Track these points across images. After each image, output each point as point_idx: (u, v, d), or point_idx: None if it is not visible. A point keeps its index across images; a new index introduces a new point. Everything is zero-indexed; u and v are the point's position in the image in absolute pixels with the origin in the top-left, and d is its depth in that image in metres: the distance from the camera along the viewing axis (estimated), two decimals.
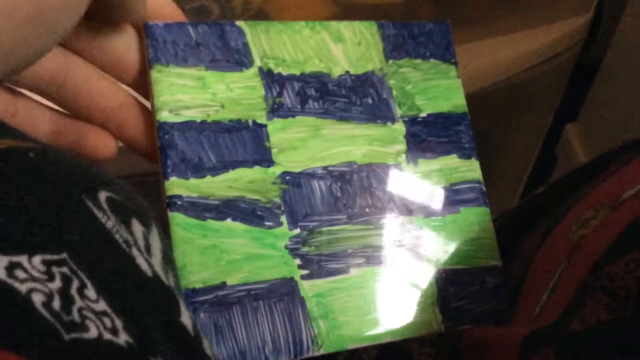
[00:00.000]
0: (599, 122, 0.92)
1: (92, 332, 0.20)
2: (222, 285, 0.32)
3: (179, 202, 0.32)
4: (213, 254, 0.32)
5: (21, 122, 0.32)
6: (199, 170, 0.33)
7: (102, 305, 0.21)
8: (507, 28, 0.76)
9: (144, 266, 0.25)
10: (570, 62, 0.83)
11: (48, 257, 0.21)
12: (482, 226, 0.38)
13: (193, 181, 0.33)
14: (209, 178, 0.33)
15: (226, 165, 0.34)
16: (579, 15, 0.80)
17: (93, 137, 0.33)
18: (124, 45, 0.34)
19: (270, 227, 0.34)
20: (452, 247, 0.37)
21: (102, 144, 0.34)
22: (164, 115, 0.33)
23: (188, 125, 0.33)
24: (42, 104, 0.33)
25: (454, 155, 0.39)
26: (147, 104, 0.35)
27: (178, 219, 0.32)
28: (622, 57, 0.87)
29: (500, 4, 0.77)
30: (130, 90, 0.35)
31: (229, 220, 0.33)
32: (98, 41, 0.33)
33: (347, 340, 0.34)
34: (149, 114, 0.34)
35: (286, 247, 0.34)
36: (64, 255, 0.21)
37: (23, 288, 0.19)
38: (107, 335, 0.21)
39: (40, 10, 0.24)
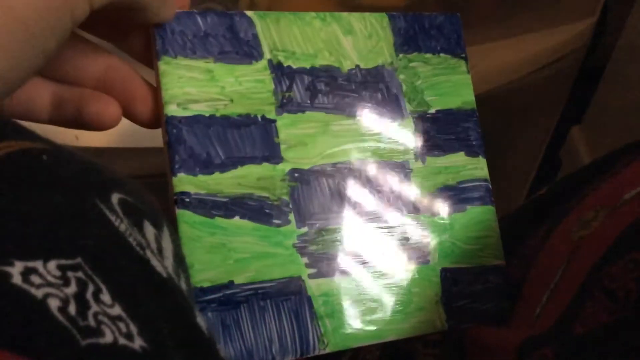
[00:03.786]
0: (603, 125, 0.92)
1: (108, 337, 0.20)
2: (230, 284, 0.32)
3: (187, 199, 0.32)
4: (221, 252, 0.32)
5: (22, 95, 0.31)
6: (207, 166, 0.33)
7: (117, 310, 0.21)
8: (512, 31, 0.76)
9: (159, 268, 0.24)
10: (575, 65, 0.83)
11: (63, 261, 0.21)
12: (487, 225, 0.38)
13: (201, 177, 0.32)
14: (217, 174, 0.33)
15: (234, 162, 0.33)
16: (584, 18, 0.80)
17: (95, 104, 0.32)
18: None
19: (278, 225, 0.34)
20: (457, 246, 0.38)
21: (105, 111, 0.32)
22: (172, 109, 0.32)
23: (196, 120, 0.33)
24: (40, 75, 0.32)
25: (462, 153, 0.39)
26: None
27: (186, 216, 0.32)
28: (627, 60, 0.87)
29: (505, 7, 0.77)
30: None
31: (237, 218, 0.33)
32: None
33: (353, 338, 0.34)
34: (139, 76, 0.33)
35: (294, 246, 0.34)
36: (79, 259, 0.21)
37: (39, 293, 0.19)
38: (122, 341, 0.21)
39: (28, 33, 0.23)
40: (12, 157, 0.23)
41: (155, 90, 0.33)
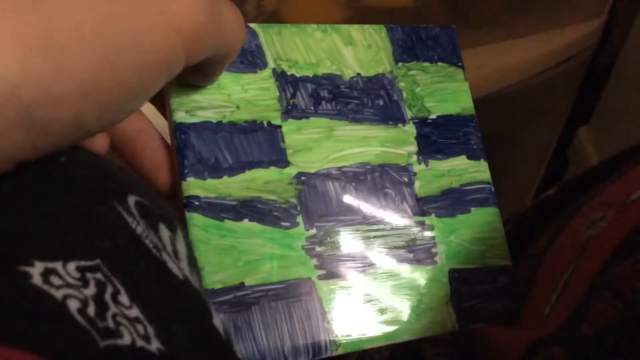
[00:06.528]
0: (611, 125, 0.92)
1: (126, 339, 0.20)
2: (241, 286, 0.32)
3: (197, 203, 0.32)
4: (231, 254, 0.33)
5: None
6: (215, 170, 0.33)
7: (135, 312, 0.21)
8: (519, 32, 0.76)
9: (175, 270, 0.25)
10: (582, 65, 0.83)
11: (82, 263, 0.21)
12: (492, 226, 0.39)
13: (210, 181, 0.33)
14: (225, 178, 0.33)
15: (242, 166, 0.34)
16: (592, 19, 0.80)
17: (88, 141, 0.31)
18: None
19: (287, 228, 0.34)
20: (464, 247, 0.38)
21: (93, 144, 0.32)
22: (180, 116, 0.33)
23: (204, 126, 0.34)
24: None
25: (464, 156, 0.39)
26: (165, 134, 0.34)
27: (196, 220, 0.32)
28: (635, 61, 0.87)
29: (513, 8, 0.77)
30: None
31: (246, 221, 0.33)
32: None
33: (364, 340, 0.34)
34: (165, 146, 0.34)
35: (303, 248, 0.34)
36: (98, 261, 0.21)
37: (59, 294, 0.20)
38: (140, 342, 0.21)
39: (124, 93, 0.23)
40: None
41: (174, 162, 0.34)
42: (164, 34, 0.24)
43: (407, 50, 0.40)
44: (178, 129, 0.33)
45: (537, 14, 0.78)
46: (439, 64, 0.40)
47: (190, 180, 0.33)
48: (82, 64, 0.21)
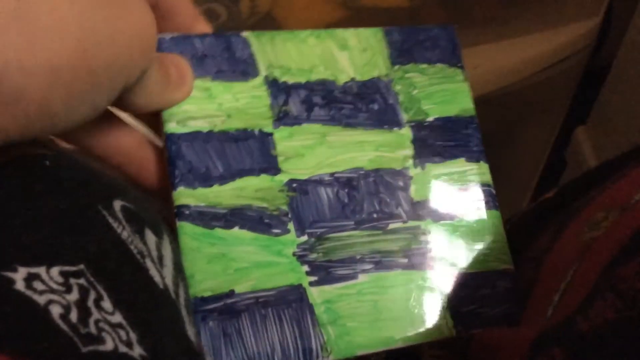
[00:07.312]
0: (608, 125, 0.92)
1: (108, 345, 0.20)
2: (231, 293, 0.32)
3: (187, 212, 0.33)
4: (221, 262, 0.33)
5: None
6: (206, 179, 0.33)
7: (117, 318, 0.21)
8: (516, 31, 0.76)
9: (157, 278, 0.25)
10: (579, 65, 0.83)
11: (66, 268, 0.21)
12: (493, 230, 0.38)
13: (200, 190, 0.33)
14: (216, 187, 0.33)
15: (233, 174, 0.34)
16: (589, 18, 0.80)
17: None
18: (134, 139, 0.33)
19: (277, 235, 0.34)
20: (462, 251, 0.37)
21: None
22: (172, 127, 0.33)
23: (195, 136, 0.34)
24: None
25: (462, 159, 0.39)
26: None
27: (186, 228, 0.32)
28: (632, 61, 0.87)
29: (510, 8, 0.77)
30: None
31: (236, 229, 0.33)
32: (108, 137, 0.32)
33: (357, 346, 0.34)
34: (156, 155, 0.34)
35: (294, 254, 0.34)
36: (82, 266, 0.21)
37: (42, 300, 0.20)
38: (123, 348, 0.21)
39: (91, 81, 0.23)
40: (15, 162, 0.23)
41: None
42: (132, 36, 0.24)
43: (404, 52, 0.39)
44: (169, 139, 0.33)
45: (533, 13, 0.78)
46: (438, 65, 0.40)
47: (181, 189, 0.33)
48: (58, 43, 0.21)
